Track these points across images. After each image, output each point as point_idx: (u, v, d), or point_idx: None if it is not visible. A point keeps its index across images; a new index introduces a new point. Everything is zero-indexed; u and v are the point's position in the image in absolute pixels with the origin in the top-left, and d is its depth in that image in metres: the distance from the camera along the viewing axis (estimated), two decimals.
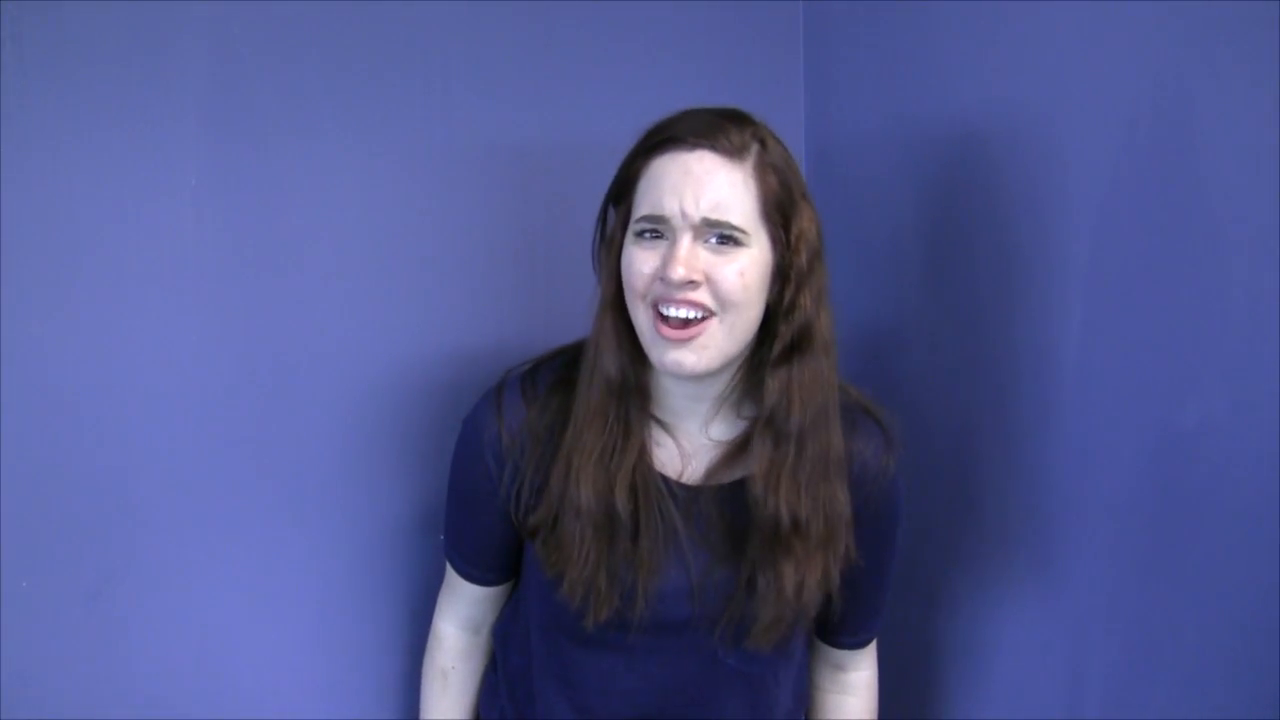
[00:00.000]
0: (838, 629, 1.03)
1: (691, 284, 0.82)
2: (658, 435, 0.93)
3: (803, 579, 0.89)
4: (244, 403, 1.05)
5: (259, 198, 1.04)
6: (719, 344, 0.84)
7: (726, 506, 0.92)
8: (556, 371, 0.95)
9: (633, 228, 0.86)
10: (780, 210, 0.85)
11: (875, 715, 1.09)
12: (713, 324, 0.84)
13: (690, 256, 0.82)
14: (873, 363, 1.27)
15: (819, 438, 0.88)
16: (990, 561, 1.14)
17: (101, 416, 0.98)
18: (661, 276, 0.83)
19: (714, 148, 0.83)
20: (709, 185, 0.82)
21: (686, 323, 0.83)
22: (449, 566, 1.03)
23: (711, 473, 0.92)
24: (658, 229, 0.84)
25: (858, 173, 1.30)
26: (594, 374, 0.89)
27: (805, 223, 0.86)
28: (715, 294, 0.83)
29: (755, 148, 0.85)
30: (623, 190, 0.89)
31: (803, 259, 0.86)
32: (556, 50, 1.20)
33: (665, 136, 0.85)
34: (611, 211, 0.92)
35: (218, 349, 1.03)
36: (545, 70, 1.19)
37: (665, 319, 0.83)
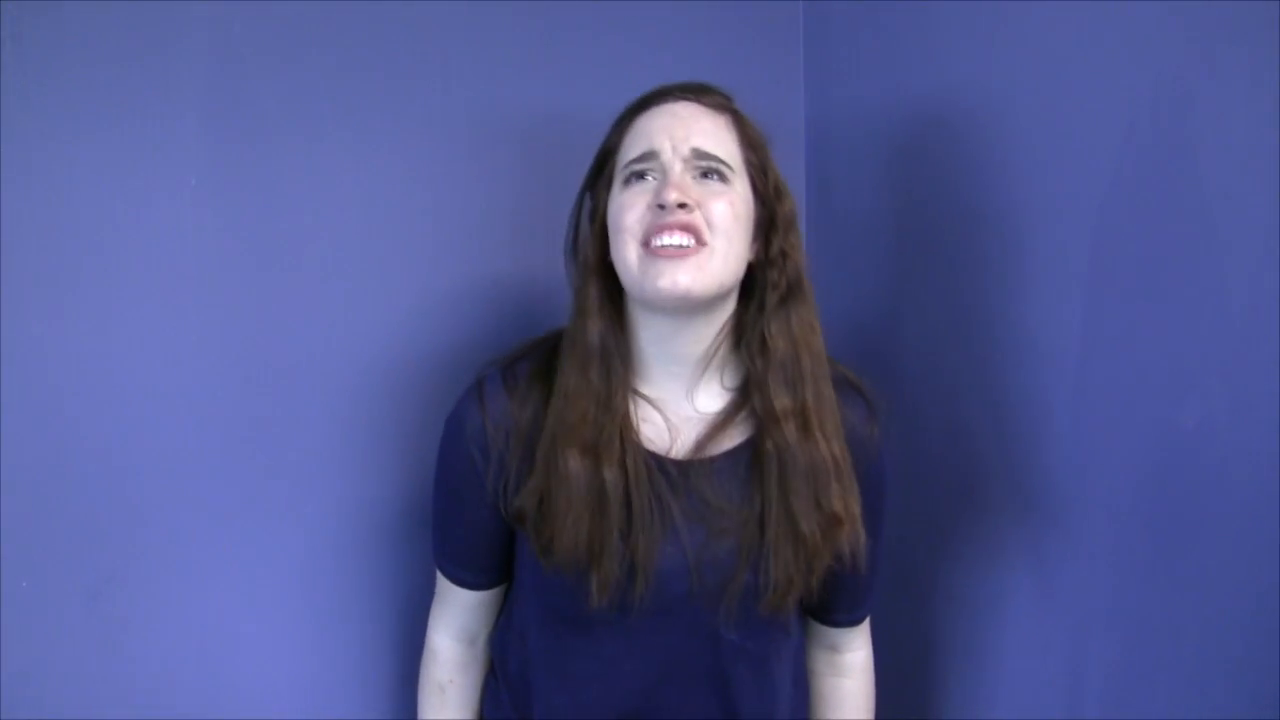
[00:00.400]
0: (831, 607, 1.03)
1: (685, 207, 0.85)
2: (644, 411, 0.93)
3: (847, 506, 0.91)
4: (245, 403, 1.05)
5: (259, 197, 1.04)
6: (713, 268, 0.86)
7: (718, 479, 0.92)
8: (537, 361, 0.95)
9: (620, 177, 0.90)
10: (759, 158, 0.91)
11: (872, 697, 1.08)
12: (705, 251, 0.85)
13: (683, 181, 0.86)
14: (871, 361, 1.26)
15: (827, 387, 0.91)
16: (989, 561, 1.14)
17: (101, 416, 0.98)
18: (656, 204, 0.85)
19: (698, 100, 0.91)
20: (695, 125, 0.88)
21: (680, 248, 0.85)
22: (439, 575, 1.02)
23: (700, 445, 0.92)
24: (648, 168, 0.88)
25: (857, 170, 1.30)
26: (575, 343, 0.91)
27: (781, 182, 0.92)
28: (707, 219, 0.86)
29: (731, 110, 0.92)
30: (604, 161, 0.93)
31: (787, 207, 0.91)
32: (557, 48, 1.20)
33: (646, 97, 0.92)
34: (588, 201, 0.95)
35: (218, 349, 1.03)
36: (545, 69, 1.19)
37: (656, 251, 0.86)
